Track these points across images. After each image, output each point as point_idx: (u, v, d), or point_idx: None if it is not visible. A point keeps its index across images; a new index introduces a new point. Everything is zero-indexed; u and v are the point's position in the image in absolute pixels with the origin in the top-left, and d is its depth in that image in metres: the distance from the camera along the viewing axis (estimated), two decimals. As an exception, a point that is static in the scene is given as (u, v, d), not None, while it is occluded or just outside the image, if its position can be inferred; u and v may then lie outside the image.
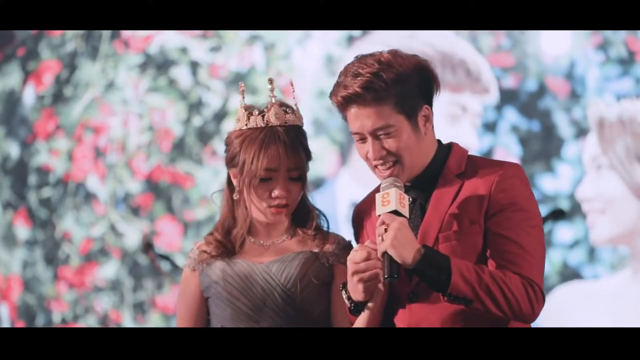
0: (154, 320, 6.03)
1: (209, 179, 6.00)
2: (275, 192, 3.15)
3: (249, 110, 3.19)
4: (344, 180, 5.80)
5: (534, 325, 3.03)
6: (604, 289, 5.42)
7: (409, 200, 2.98)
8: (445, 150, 3.07)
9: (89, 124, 6.18)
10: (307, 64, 5.88)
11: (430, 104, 3.03)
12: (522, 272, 2.91)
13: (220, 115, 6.00)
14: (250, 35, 5.93)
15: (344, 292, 3.03)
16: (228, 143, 3.22)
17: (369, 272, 2.94)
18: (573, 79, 5.51)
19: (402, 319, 3.01)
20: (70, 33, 6.19)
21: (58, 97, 6.22)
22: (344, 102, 2.99)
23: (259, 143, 3.14)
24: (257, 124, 3.17)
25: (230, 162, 3.20)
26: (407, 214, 2.94)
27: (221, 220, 3.26)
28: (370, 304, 3.01)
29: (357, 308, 3.03)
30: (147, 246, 5.37)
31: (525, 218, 2.96)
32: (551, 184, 5.48)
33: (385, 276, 2.89)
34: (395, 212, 2.92)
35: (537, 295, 2.92)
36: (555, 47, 5.56)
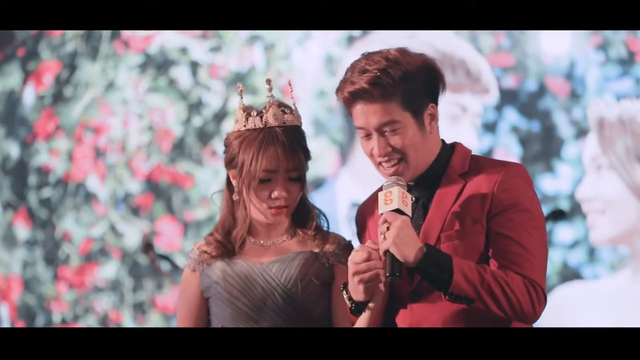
0: (154, 321, 6.03)
1: (209, 179, 6.00)
2: (275, 193, 3.15)
3: (247, 111, 3.19)
4: (344, 181, 5.80)
5: (534, 325, 3.03)
6: (604, 289, 5.42)
7: (412, 200, 2.99)
8: (449, 149, 3.08)
9: (89, 124, 6.18)
10: (307, 64, 5.88)
11: (436, 103, 3.03)
12: (524, 273, 2.91)
13: (220, 116, 6.00)
14: (250, 35, 5.93)
15: (344, 292, 3.03)
16: (227, 144, 3.22)
17: (369, 272, 2.94)
18: (573, 79, 5.51)
19: (404, 319, 3.01)
20: (70, 33, 6.19)
21: (58, 97, 6.22)
22: (351, 98, 2.99)
23: (258, 144, 3.14)
24: (255, 125, 3.17)
25: (230, 163, 3.20)
26: (409, 212, 2.94)
27: (221, 221, 3.26)
28: (371, 304, 3.01)
29: (358, 308, 3.03)
30: (147, 246, 5.37)
31: (528, 218, 2.96)
32: (551, 184, 5.48)
33: (387, 274, 2.89)
34: (398, 211, 2.92)
35: (538, 296, 2.92)
36: (555, 47, 5.56)
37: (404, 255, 2.88)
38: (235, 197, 3.21)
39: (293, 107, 3.22)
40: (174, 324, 5.92)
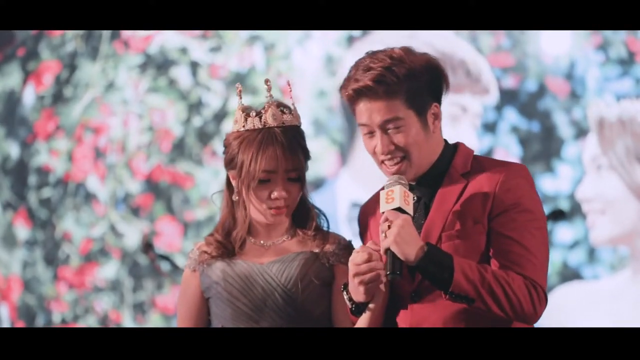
0: (154, 321, 6.03)
1: (209, 179, 6.00)
2: (275, 194, 3.15)
3: (246, 111, 3.19)
4: (344, 181, 5.80)
5: (534, 325, 3.03)
6: (604, 289, 5.42)
7: (414, 199, 2.98)
8: (452, 149, 3.08)
9: (89, 124, 6.18)
10: (307, 64, 5.88)
11: (440, 103, 3.04)
12: (525, 273, 2.91)
13: (220, 116, 6.00)
14: (250, 35, 5.93)
15: (345, 293, 3.03)
16: (226, 145, 3.22)
17: (370, 274, 2.94)
18: (573, 79, 5.50)
19: (404, 318, 3.01)
20: (70, 33, 6.19)
21: (58, 98, 6.22)
22: (355, 95, 2.99)
23: (257, 145, 3.14)
24: (254, 126, 3.17)
25: (229, 164, 3.20)
26: (411, 211, 2.93)
27: (221, 222, 3.26)
28: (371, 305, 3.01)
29: (358, 309, 3.03)
30: (147, 246, 5.37)
31: (529, 219, 2.96)
32: (551, 185, 5.48)
33: (388, 272, 2.89)
34: (400, 210, 2.92)
35: (539, 297, 2.92)
36: (555, 47, 5.56)
37: (404, 254, 2.88)
38: (235, 197, 3.21)
39: (292, 107, 3.21)
40: (174, 324, 5.93)
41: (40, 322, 6.19)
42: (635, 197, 5.36)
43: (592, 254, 5.45)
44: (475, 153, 3.10)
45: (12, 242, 6.25)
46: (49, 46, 6.23)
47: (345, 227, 5.59)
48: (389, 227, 2.90)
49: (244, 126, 3.18)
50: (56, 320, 6.16)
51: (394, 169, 3.00)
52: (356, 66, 3.01)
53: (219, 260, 3.21)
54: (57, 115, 6.21)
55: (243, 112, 3.19)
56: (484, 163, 3.05)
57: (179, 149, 6.06)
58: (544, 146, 5.53)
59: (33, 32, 6.22)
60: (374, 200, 3.12)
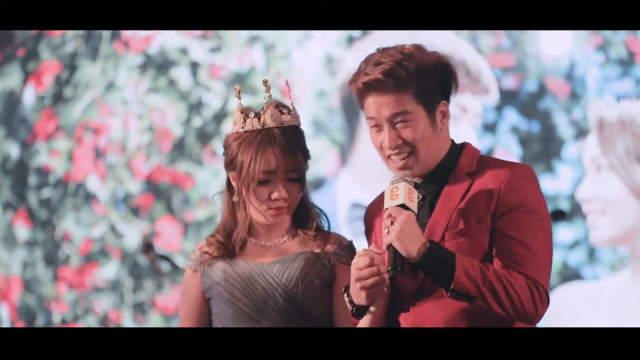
0: (154, 321, 6.03)
1: (209, 180, 6.00)
2: (275, 194, 3.15)
3: (245, 112, 3.19)
4: (344, 181, 5.80)
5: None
6: (604, 289, 5.42)
7: (419, 197, 2.98)
8: (458, 149, 3.07)
9: (89, 124, 6.18)
10: (307, 64, 5.88)
11: (448, 101, 3.04)
12: (528, 273, 2.91)
13: (220, 116, 6.00)
14: (250, 35, 5.94)
15: (346, 295, 3.03)
16: (226, 146, 3.22)
17: (372, 279, 2.93)
18: (573, 80, 5.50)
19: (406, 317, 3.00)
20: (70, 33, 6.19)
21: (58, 98, 6.22)
22: (364, 89, 2.99)
23: (256, 146, 3.14)
24: (253, 127, 3.16)
25: (229, 165, 3.20)
26: (415, 209, 2.93)
27: (222, 222, 3.26)
28: (372, 308, 3.01)
29: (359, 312, 3.03)
30: (147, 247, 5.37)
31: (534, 220, 2.95)
32: (551, 185, 5.48)
33: (389, 269, 2.89)
34: (403, 206, 2.92)
35: (541, 297, 2.92)
36: (555, 47, 5.56)
37: (407, 250, 2.87)
38: (235, 198, 3.21)
39: (291, 107, 3.21)
40: (174, 324, 5.94)
41: (40, 323, 6.19)
42: (635, 198, 5.36)
43: (592, 254, 5.45)
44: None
45: (12, 242, 6.25)
46: (49, 46, 6.24)
47: (345, 227, 5.59)
48: (392, 223, 2.89)
49: (243, 127, 3.17)
50: (56, 321, 6.16)
51: (400, 164, 3.00)
52: (366, 61, 3.01)
53: (220, 260, 3.21)
54: (57, 116, 6.22)
55: (242, 113, 3.19)
56: (489, 163, 3.05)
57: (179, 149, 6.06)
58: (544, 146, 5.53)
59: (33, 32, 6.22)
60: (380, 199, 3.11)
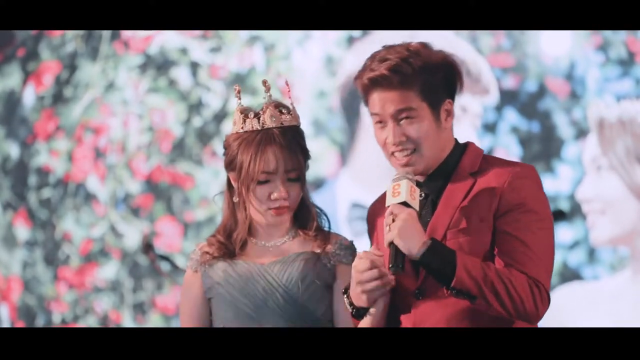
0: (154, 321, 6.03)
1: (209, 180, 6.00)
2: (274, 194, 3.15)
3: (245, 112, 3.19)
4: (344, 181, 5.79)
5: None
6: (604, 289, 5.42)
7: (421, 196, 2.98)
8: (461, 148, 3.07)
9: (89, 124, 6.18)
10: (307, 64, 5.88)
11: (453, 100, 3.04)
12: (529, 272, 2.91)
13: (220, 116, 6.00)
14: (250, 35, 5.93)
15: (345, 297, 3.03)
16: (226, 146, 3.22)
17: (374, 283, 2.93)
18: (573, 80, 5.50)
19: (407, 316, 3.00)
20: (70, 33, 6.19)
21: (58, 98, 6.22)
22: (370, 84, 2.99)
23: (255, 146, 3.14)
24: (252, 127, 3.16)
25: (229, 165, 3.20)
26: (416, 206, 2.93)
27: (223, 223, 3.26)
28: (372, 310, 3.00)
29: (359, 313, 3.02)
30: (147, 247, 5.37)
31: (535, 219, 2.95)
32: (551, 185, 5.48)
33: (390, 266, 2.88)
34: (405, 204, 2.91)
35: (542, 296, 2.91)
36: (555, 47, 5.56)
37: (408, 248, 2.87)
38: (235, 199, 3.21)
39: (291, 107, 3.21)
40: (174, 324, 5.94)
41: (40, 323, 6.19)
42: (635, 198, 5.36)
43: (592, 254, 5.45)
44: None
45: (12, 242, 6.25)
46: (49, 46, 6.24)
47: (345, 227, 5.59)
48: (394, 220, 2.89)
49: (242, 127, 3.17)
50: (56, 321, 6.16)
51: (403, 160, 2.99)
52: (372, 57, 3.01)
53: (221, 260, 3.21)
54: (57, 116, 6.22)
55: (241, 113, 3.19)
56: (492, 162, 3.05)
57: (179, 149, 6.06)
58: (544, 146, 5.53)
59: (33, 32, 6.22)
60: (382, 198, 3.10)
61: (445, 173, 3.03)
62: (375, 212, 3.16)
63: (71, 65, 6.21)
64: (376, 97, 2.99)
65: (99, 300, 6.12)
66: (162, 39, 6.06)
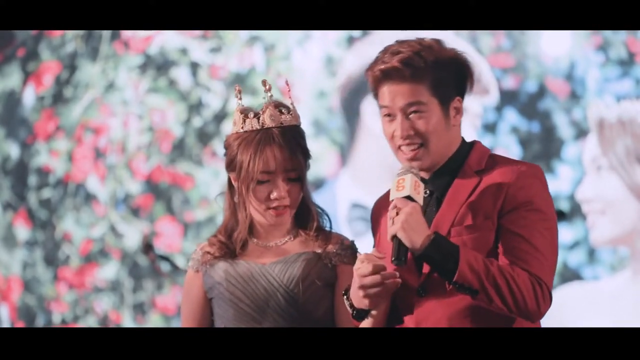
0: (154, 321, 6.03)
1: (209, 180, 6.00)
2: (274, 194, 3.15)
3: (245, 112, 3.19)
4: (344, 181, 5.79)
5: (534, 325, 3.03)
6: (604, 289, 5.42)
7: (426, 193, 2.98)
8: (468, 147, 3.07)
9: (89, 124, 6.18)
10: (307, 64, 5.88)
11: (463, 99, 3.04)
12: (532, 270, 2.90)
13: (220, 116, 6.00)
14: (250, 36, 5.94)
15: (345, 299, 3.02)
16: (226, 146, 3.22)
17: (376, 288, 2.93)
18: (573, 80, 5.50)
19: (409, 313, 2.99)
20: (70, 34, 6.20)
21: (58, 98, 6.22)
22: (381, 76, 2.98)
23: (255, 146, 3.14)
24: (252, 127, 3.16)
25: (229, 165, 3.20)
26: (420, 201, 2.92)
27: (224, 223, 3.26)
28: (374, 312, 3.00)
29: (360, 315, 3.02)
30: (147, 247, 5.37)
31: (540, 219, 2.95)
32: (551, 185, 5.43)
33: (393, 259, 2.88)
34: (409, 198, 2.91)
35: (544, 294, 2.91)
36: (555, 48, 5.56)
37: (411, 241, 2.87)
38: (236, 199, 3.21)
39: (291, 107, 3.21)
40: (174, 324, 5.94)
41: (40, 323, 6.19)
42: (635, 198, 5.36)
43: (592, 254, 5.45)
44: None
45: (12, 242, 6.25)
46: (49, 47, 6.24)
47: (345, 227, 5.59)
48: (397, 213, 2.89)
49: (242, 127, 3.17)
50: (56, 321, 6.16)
51: (410, 154, 2.99)
52: (384, 50, 3.01)
53: (222, 260, 3.21)
54: (57, 116, 6.22)
55: (241, 113, 3.19)
56: (499, 161, 3.04)
57: (179, 149, 6.06)
58: (544, 147, 5.53)
59: (33, 33, 6.22)
60: (387, 196, 3.09)
61: (451, 170, 3.03)
62: (379, 209, 3.16)
63: (71, 65, 6.21)
64: (386, 89, 2.99)
65: (99, 300, 6.12)
66: (162, 39, 6.06)
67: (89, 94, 6.18)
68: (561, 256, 5.43)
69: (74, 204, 6.17)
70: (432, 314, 2.96)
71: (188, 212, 6.03)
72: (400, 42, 3.01)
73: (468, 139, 3.14)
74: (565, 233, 5.45)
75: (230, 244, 3.22)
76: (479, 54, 5.57)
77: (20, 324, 6.22)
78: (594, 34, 5.44)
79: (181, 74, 6.05)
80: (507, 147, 5.54)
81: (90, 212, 6.15)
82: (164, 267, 5.48)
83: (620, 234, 5.40)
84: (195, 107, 6.03)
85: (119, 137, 6.12)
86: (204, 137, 6.02)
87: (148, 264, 5.88)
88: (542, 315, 2.94)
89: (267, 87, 3.21)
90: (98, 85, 6.16)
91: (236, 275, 3.17)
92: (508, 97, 5.57)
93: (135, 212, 6.11)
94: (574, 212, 5.44)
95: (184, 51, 6.05)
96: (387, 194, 3.09)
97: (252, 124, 3.16)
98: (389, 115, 3.00)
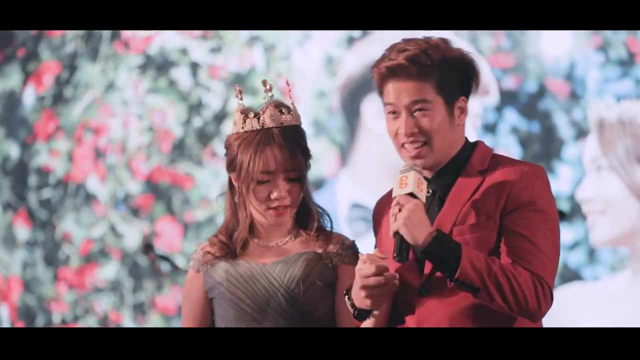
0: (154, 321, 6.03)
1: (209, 180, 6.00)
2: (274, 194, 3.15)
3: (245, 112, 3.19)
4: (344, 181, 5.79)
5: (534, 325, 3.02)
6: (604, 290, 5.42)
7: (429, 193, 2.98)
8: (471, 147, 3.08)
9: (89, 124, 6.18)
10: (307, 64, 5.88)
11: (467, 99, 3.04)
12: (533, 269, 2.90)
13: (220, 116, 6.00)
14: (250, 36, 5.94)
15: (347, 299, 3.02)
16: (227, 146, 3.22)
17: (378, 289, 2.93)
18: (573, 80, 5.51)
19: (411, 313, 2.99)
20: (70, 34, 6.20)
21: (58, 98, 6.22)
22: (387, 73, 2.98)
23: (255, 146, 3.14)
24: (252, 127, 3.16)
25: (230, 165, 3.20)
26: (423, 198, 2.92)
27: (225, 223, 3.26)
28: (375, 312, 3.00)
29: (361, 315, 3.02)
30: (147, 247, 5.37)
31: (543, 219, 2.95)
32: (551, 185, 5.48)
33: (395, 255, 2.88)
34: (412, 195, 2.91)
35: (545, 294, 2.91)
36: (555, 48, 5.56)
37: (413, 237, 2.87)
38: (237, 199, 3.21)
39: (291, 107, 3.20)
40: (174, 324, 5.94)
41: (40, 323, 6.19)
42: (635, 198, 5.36)
43: (592, 254, 5.45)
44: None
45: (12, 242, 6.25)
46: (49, 47, 6.24)
47: (345, 227, 5.59)
48: (400, 210, 2.89)
49: (242, 127, 3.17)
50: (56, 321, 6.16)
51: (413, 152, 2.99)
52: (391, 48, 3.01)
53: (222, 260, 3.21)
54: (57, 116, 6.22)
55: (241, 113, 3.19)
56: (501, 161, 3.05)
57: (179, 149, 6.06)
58: (544, 147, 5.53)
59: (33, 33, 6.22)
60: (389, 195, 3.09)
61: (454, 170, 3.03)
62: (381, 209, 3.16)
63: (71, 65, 6.21)
64: (391, 87, 2.99)
65: (99, 300, 6.12)
66: (162, 39, 6.06)
67: (89, 94, 6.18)
68: (561, 256, 5.40)
69: (74, 204, 6.17)
70: (433, 313, 2.96)
71: (188, 212, 6.03)
72: (406, 40, 3.01)
73: (468, 139, 3.14)
74: (566, 233, 5.45)
75: (230, 244, 3.22)
76: (479, 54, 5.57)
77: (20, 324, 6.22)
78: (594, 34, 5.44)
79: (181, 74, 6.05)
80: (507, 147, 5.54)
81: (90, 212, 6.15)
82: (164, 267, 5.48)
83: (620, 234, 5.40)
84: (195, 107, 6.03)
85: (119, 137, 6.12)
86: (204, 137, 6.02)
87: (148, 264, 5.88)
88: (543, 314, 2.94)
89: (268, 87, 3.21)
90: (98, 86, 6.16)
91: (237, 276, 3.17)
92: (508, 97, 5.57)
93: (135, 212, 6.11)
94: (574, 212, 5.44)
95: (184, 51, 6.05)
96: (389, 193, 3.09)
97: (252, 124, 3.16)
98: (393, 112, 3.00)
